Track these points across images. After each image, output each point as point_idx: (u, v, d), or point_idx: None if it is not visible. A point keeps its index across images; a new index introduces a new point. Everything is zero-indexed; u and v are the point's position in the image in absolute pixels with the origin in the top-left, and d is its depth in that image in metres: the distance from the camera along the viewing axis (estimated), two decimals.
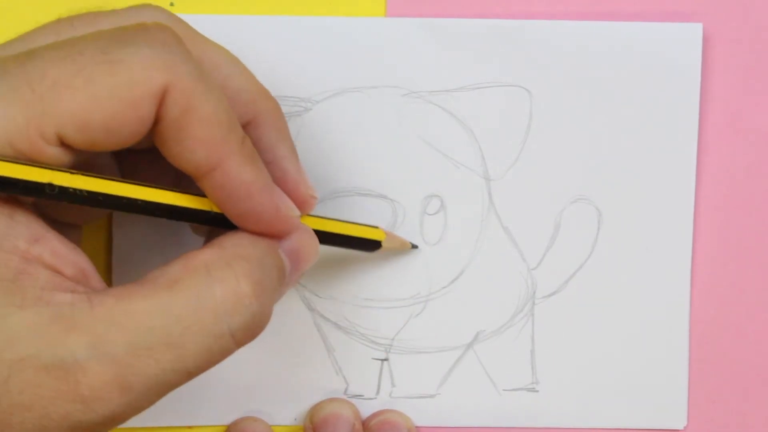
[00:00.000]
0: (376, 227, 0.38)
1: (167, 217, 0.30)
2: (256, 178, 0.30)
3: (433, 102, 0.40)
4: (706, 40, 0.40)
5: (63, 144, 0.28)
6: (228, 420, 0.40)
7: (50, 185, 0.28)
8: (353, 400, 0.40)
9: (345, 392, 0.40)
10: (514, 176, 0.40)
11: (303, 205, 0.33)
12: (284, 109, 0.39)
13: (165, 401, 0.40)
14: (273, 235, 0.31)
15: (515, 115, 0.40)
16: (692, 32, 0.40)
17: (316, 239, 0.33)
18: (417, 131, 0.40)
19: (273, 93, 0.38)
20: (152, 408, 0.40)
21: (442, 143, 0.40)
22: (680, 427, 0.41)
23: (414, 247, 0.40)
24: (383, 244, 0.38)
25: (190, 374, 0.29)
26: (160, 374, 0.28)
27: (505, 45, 0.40)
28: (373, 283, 0.40)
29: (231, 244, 0.30)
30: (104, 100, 0.27)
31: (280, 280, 0.31)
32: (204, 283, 0.29)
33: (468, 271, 0.40)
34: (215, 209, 0.31)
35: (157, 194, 0.30)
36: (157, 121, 0.28)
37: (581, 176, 0.40)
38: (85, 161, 0.29)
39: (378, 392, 0.40)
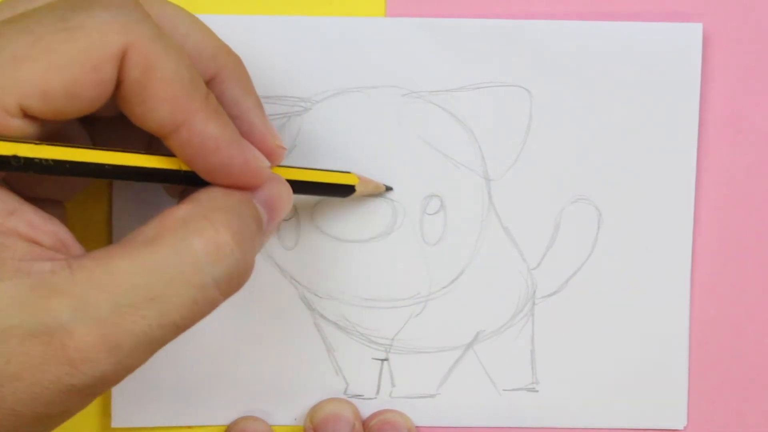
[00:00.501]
0: (349, 172, 0.38)
1: (137, 179, 0.30)
2: (223, 132, 0.30)
3: (433, 102, 0.40)
4: (706, 40, 0.40)
5: (26, 115, 0.28)
6: (228, 420, 0.40)
7: (15, 157, 0.28)
8: (353, 400, 0.40)
9: (345, 392, 0.40)
10: (514, 176, 0.40)
11: (272, 156, 0.33)
12: (284, 109, 0.39)
13: (165, 401, 0.40)
14: (245, 187, 0.31)
15: (515, 115, 0.40)
16: (692, 32, 0.40)
17: (288, 187, 0.33)
18: (417, 131, 0.40)
19: (273, 93, 0.39)
20: (152, 408, 0.40)
21: (442, 143, 0.40)
22: (680, 427, 0.41)
23: (388, 189, 0.40)
24: (357, 188, 0.38)
25: (177, 328, 0.29)
26: (147, 330, 0.28)
27: (505, 45, 0.40)
28: (373, 283, 0.40)
29: (206, 198, 0.30)
30: (64, 67, 0.27)
31: (259, 230, 0.31)
32: (182, 237, 0.29)
33: (468, 271, 0.40)
34: (184, 167, 0.31)
35: (125, 158, 0.30)
36: (118, 83, 0.29)
37: (581, 176, 0.40)
38: (55, 132, 0.29)
39: (378, 392, 0.40)
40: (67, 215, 0.36)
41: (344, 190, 0.37)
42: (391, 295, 0.40)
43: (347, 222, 0.40)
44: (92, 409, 0.40)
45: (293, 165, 0.37)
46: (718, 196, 0.40)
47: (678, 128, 0.40)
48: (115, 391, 0.40)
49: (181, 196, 0.35)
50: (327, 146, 0.40)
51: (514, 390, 0.40)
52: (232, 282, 0.30)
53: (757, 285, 0.41)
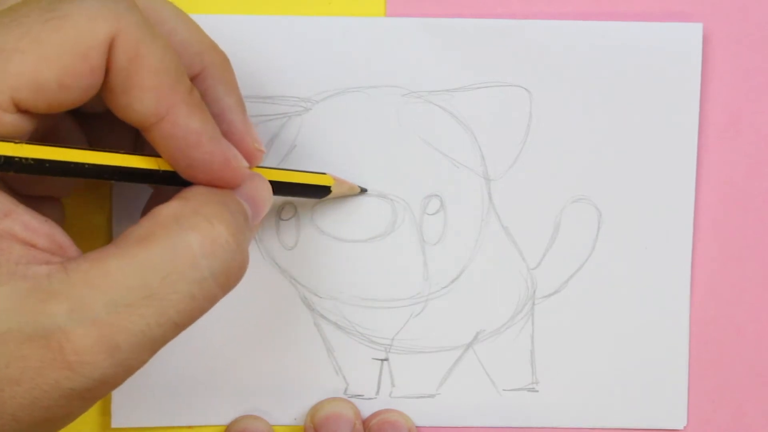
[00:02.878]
0: (324, 173, 0.38)
1: (117, 179, 0.30)
2: (204, 127, 0.30)
3: (433, 102, 0.40)
4: (706, 40, 0.40)
5: (20, 110, 0.28)
6: (228, 420, 0.40)
7: None
8: (353, 400, 0.40)
9: (345, 392, 0.40)
10: (514, 176, 0.40)
11: (250, 157, 0.33)
12: (284, 109, 0.39)
13: (165, 401, 0.40)
14: (225, 185, 0.31)
15: (515, 115, 0.40)
16: (692, 32, 0.40)
17: (268, 184, 0.33)
18: (417, 131, 0.40)
19: (273, 93, 0.39)
20: (152, 408, 0.40)
21: (442, 143, 0.40)
22: (680, 427, 0.41)
23: (363, 190, 0.40)
24: (332, 189, 0.38)
25: (176, 325, 0.29)
26: (145, 329, 0.28)
27: (505, 45, 0.40)
28: (373, 283, 0.40)
29: (192, 195, 0.30)
30: (54, 57, 0.27)
31: (246, 223, 0.31)
32: (176, 233, 0.29)
33: (468, 271, 0.40)
34: (164, 167, 0.31)
35: (105, 157, 0.30)
36: (106, 72, 0.29)
37: (581, 176, 0.40)
38: (51, 131, 0.29)
39: (378, 392, 0.40)
40: (67, 215, 0.36)
41: (320, 192, 0.38)
42: (391, 295, 0.40)
43: (347, 222, 0.40)
44: (92, 409, 0.40)
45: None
46: (718, 195, 0.40)
47: (678, 128, 0.40)
48: (115, 391, 0.40)
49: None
50: (327, 146, 0.40)
51: (514, 390, 0.40)
52: (230, 275, 0.29)
53: (757, 285, 0.41)
